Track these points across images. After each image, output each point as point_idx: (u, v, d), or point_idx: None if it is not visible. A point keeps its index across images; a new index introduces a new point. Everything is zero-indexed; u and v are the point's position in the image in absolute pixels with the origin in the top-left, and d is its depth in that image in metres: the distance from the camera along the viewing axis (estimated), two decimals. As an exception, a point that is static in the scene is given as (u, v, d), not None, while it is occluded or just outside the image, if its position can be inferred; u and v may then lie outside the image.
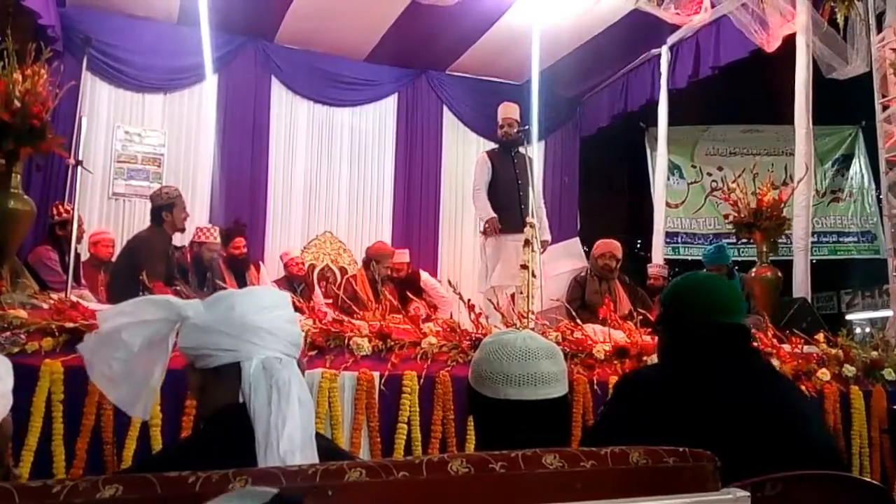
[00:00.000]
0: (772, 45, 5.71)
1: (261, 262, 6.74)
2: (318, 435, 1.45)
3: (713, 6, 5.95)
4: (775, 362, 3.55)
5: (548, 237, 5.96)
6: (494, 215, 5.70)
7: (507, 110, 6.04)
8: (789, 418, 1.77)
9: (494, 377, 1.56)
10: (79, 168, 4.42)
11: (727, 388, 1.77)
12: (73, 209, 4.64)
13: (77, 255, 4.85)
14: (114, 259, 5.58)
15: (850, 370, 3.73)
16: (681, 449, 1.14)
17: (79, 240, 4.83)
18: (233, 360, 1.41)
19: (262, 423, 1.33)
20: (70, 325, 2.68)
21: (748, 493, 1.12)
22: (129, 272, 4.22)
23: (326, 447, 1.47)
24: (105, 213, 6.91)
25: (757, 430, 1.68)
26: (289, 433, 1.33)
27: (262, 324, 1.44)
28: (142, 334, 1.43)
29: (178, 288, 3.58)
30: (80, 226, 4.85)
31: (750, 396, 1.76)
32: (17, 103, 3.07)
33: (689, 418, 1.68)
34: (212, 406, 1.44)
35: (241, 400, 1.39)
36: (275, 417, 1.33)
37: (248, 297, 1.48)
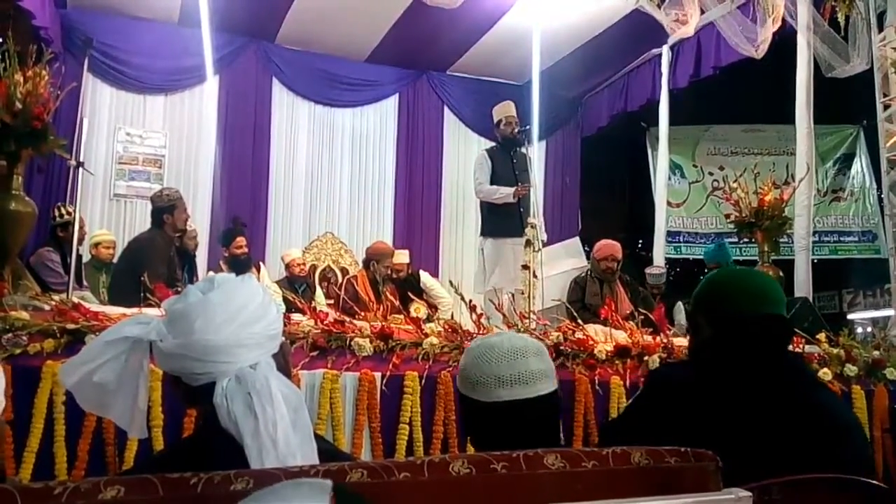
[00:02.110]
0: (760, 51, 5.71)
1: (262, 263, 6.73)
2: (317, 437, 1.44)
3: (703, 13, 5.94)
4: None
5: (544, 237, 5.95)
6: (510, 191, 5.65)
7: (507, 108, 6.04)
8: (821, 427, 1.67)
9: (485, 380, 1.56)
10: (80, 169, 4.42)
11: (758, 391, 1.69)
12: (74, 210, 4.64)
13: (79, 257, 4.85)
14: (115, 260, 5.58)
15: (851, 370, 3.73)
16: (682, 449, 1.14)
17: (80, 241, 4.83)
18: (209, 381, 1.36)
19: (249, 433, 1.28)
20: (72, 326, 2.68)
21: (750, 494, 1.12)
22: (130, 274, 4.22)
23: (326, 450, 1.45)
24: (106, 214, 6.92)
25: (786, 439, 1.62)
26: (283, 435, 1.29)
27: (224, 341, 1.36)
28: (113, 370, 1.39)
29: (179, 289, 3.57)
30: (81, 227, 4.84)
31: (780, 402, 1.68)
32: (19, 105, 3.08)
33: (718, 422, 1.62)
34: (200, 418, 1.43)
35: (216, 409, 1.35)
36: (263, 424, 1.29)
37: (204, 313, 1.36)
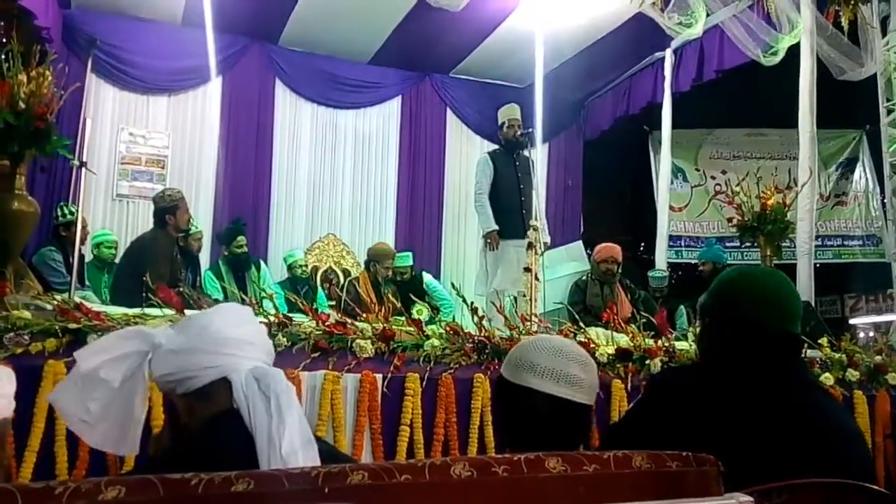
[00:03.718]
0: (769, 59, 5.71)
1: (262, 262, 6.73)
2: (317, 439, 1.46)
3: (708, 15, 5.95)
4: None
5: (547, 240, 5.96)
6: (496, 228, 5.71)
7: (511, 111, 6.05)
8: (826, 437, 1.66)
9: (522, 364, 1.60)
10: (83, 169, 4.42)
11: (766, 401, 1.68)
12: (77, 210, 4.65)
13: (81, 257, 4.86)
14: (117, 260, 5.59)
15: (853, 375, 3.72)
16: (684, 453, 1.14)
17: (83, 241, 4.84)
18: (218, 376, 1.42)
19: (263, 432, 1.34)
20: (74, 326, 2.68)
21: (751, 499, 1.12)
22: (132, 274, 4.22)
23: (327, 451, 1.47)
24: (109, 214, 6.92)
25: (789, 447, 1.61)
26: (289, 437, 1.34)
27: (241, 336, 1.46)
28: (120, 369, 1.42)
29: (181, 290, 3.57)
30: (83, 227, 4.85)
31: (787, 412, 1.66)
32: (22, 105, 3.08)
33: (721, 428, 1.61)
34: (201, 421, 1.44)
35: (234, 406, 1.40)
36: (275, 424, 1.35)
37: (221, 313, 1.50)
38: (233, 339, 1.44)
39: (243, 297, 3.62)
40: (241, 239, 6.28)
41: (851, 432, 1.77)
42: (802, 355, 1.89)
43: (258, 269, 6.39)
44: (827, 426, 1.69)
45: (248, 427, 1.37)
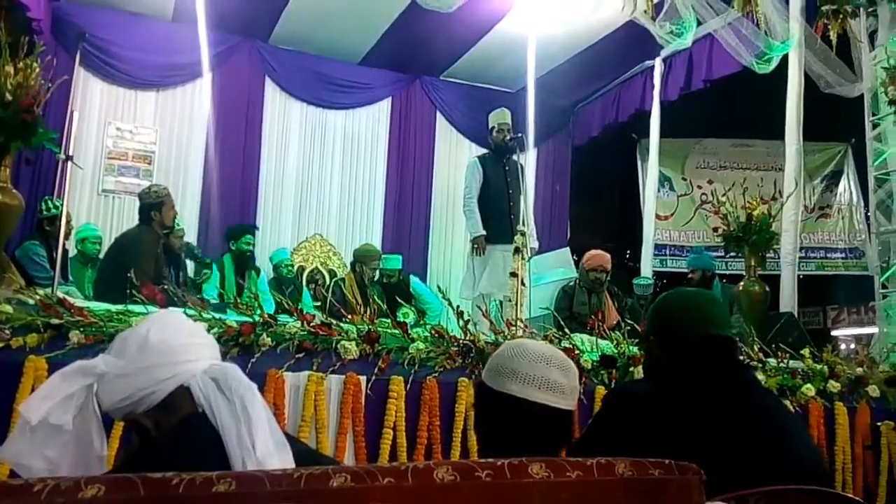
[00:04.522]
0: (762, 66, 5.75)
1: (262, 270, 6.66)
2: (289, 437, 1.45)
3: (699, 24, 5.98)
4: (760, 376, 3.57)
5: (535, 245, 5.97)
6: (483, 233, 5.72)
7: (502, 116, 6.06)
8: (774, 433, 1.77)
9: (502, 370, 1.60)
10: (69, 163, 4.39)
11: (711, 403, 1.78)
12: (62, 205, 4.61)
13: (65, 251, 4.82)
14: (101, 256, 5.55)
15: (834, 386, 3.75)
16: (666, 461, 1.14)
17: (67, 236, 4.80)
18: (175, 386, 1.40)
19: (232, 434, 1.33)
20: (56, 321, 2.66)
21: (731, 507, 1.12)
22: (116, 270, 4.19)
23: (301, 450, 1.46)
24: (94, 209, 6.87)
25: (741, 445, 1.70)
26: (262, 438, 1.33)
27: (184, 341, 1.44)
28: (69, 410, 1.38)
29: (165, 287, 3.55)
30: (68, 222, 4.81)
31: (734, 411, 1.77)
32: (9, 96, 3.06)
33: (674, 433, 1.69)
34: (169, 427, 1.42)
35: (199, 409, 1.39)
36: (245, 428, 1.33)
37: (155, 324, 1.46)
38: (177, 345, 1.42)
39: (241, 288, 3.63)
40: (250, 238, 6.27)
41: (796, 429, 1.90)
42: (737, 356, 2.01)
43: (257, 273, 6.36)
44: (770, 424, 1.79)
45: (216, 428, 1.35)
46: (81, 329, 2.68)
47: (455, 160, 8.24)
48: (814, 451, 1.99)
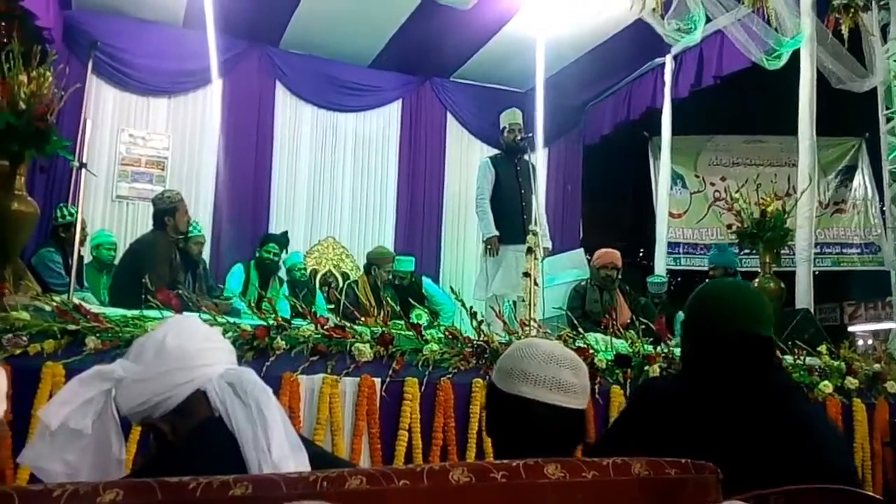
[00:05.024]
0: (772, 62, 5.71)
1: (285, 280, 6.66)
2: (307, 442, 1.46)
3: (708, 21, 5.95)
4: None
5: (549, 244, 5.96)
6: (496, 234, 5.71)
7: (513, 116, 6.06)
8: (806, 439, 1.70)
9: (513, 372, 1.58)
10: (83, 170, 4.42)
11: (740, 404, 1.72)
12: (76, 211, 4.64)
13: (80, 258, 4.85)
14: (116, 262, 5.58)
15: (852, 383, 3.73)
16: (683, 460, 1.14)
17: (82, 242, 4.83)
18: (192, 390, 1.41)
19: (248, 438, 1.34)
20: (72, 327, 2.68)
21: (749, 505, 1.12)
22: (132, 276, 4.21)
23: (316, 453, 1.47)
24: (108, 215, 6.91)
25: (769, 448, 1.64)
26: (278, 442, 1.34)
27: (200, 345, 1.45)
28: (88, 415, 1.40)
29: (180, 292, 3.57)
30: (83, 228, 4.84)
31: (764, 415, 1.71)
32: (22, 105, 3.08)
33: (698, 432, 1.65)
34: (186, 431, 1.43)
35: (216, 414, 1.40)
36: (260, 431, 1.34)
37: (172, 329, 1.47)
38: (193, 350, 1.43)
39: (262, 294, 3.66)
40: (273, 247, 6.26)
41: (830, 434, 1.81)
42: (773, 357, 1.90)
43: (280, 283, 6.39)
44: (804, 428, 1.72)
45: (232, 432, 1.36)
46: (97, 335, 2.70)
47: (466, 161, 8.23)
48: (847, 461, 1.87)
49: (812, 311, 5.06)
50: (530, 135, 5.95)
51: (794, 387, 2.03)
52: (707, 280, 6.63)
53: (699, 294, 1.92)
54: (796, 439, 1.68)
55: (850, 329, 13.79)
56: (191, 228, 5.67)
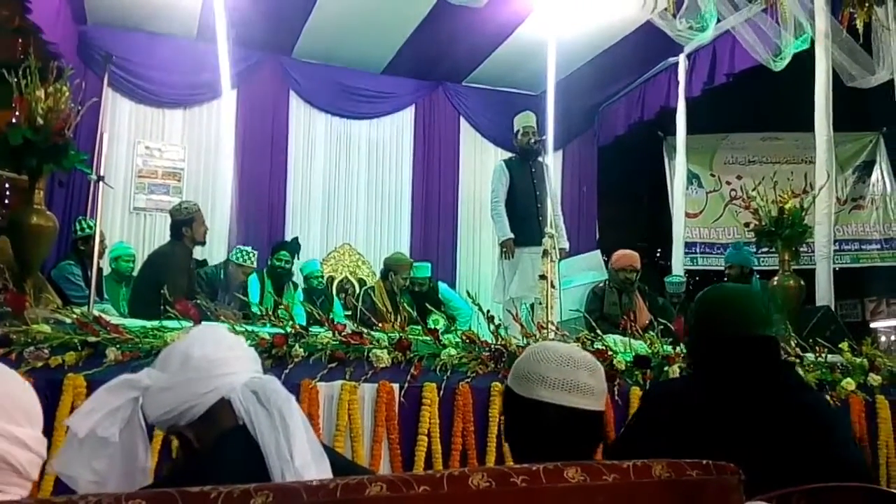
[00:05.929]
0: (778, 63, 5.67)
1: (299, 285, 6.69)
2: (328, 449, 1.46)
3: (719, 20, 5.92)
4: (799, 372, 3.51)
5: (566, 245, 5.94)
6: (511, 236, 5.70)
7: (527, 119, 6.05)
8: (816, 433, 1.73)
9: (530, 376, 1.58)
10: (100, 183, 4.47)
11: (751, 402, 1.75)
12: (95, 224, 4.69)
13: (99, 270, 4.89)
14: (135, 273, 5.63)
15: (875, 379, 3.68)
16: (704, 462, 1.13)
17: (101, 254, 4.88)
18: (217, 399, 1.43)
19: (271, 446, 1.35)
20: (92, 339, 2.71)
21: (772, 506, 1.11)
22: (150, 287, 4.25)
23: (339, 462, 1.48)
24: (126, 227, 6.98)
25: (781, 445, 1.66)
26: (300, 449, 1.35)
27: (225, 354, 1.47)
28: (116, 423, 1.41)
29: (199, 302, 3.59)
30: (101, 241, 4.89)
31: (774, 412, 1.74)
32: (40, 121, 3.12)
33: (712, 432, 1.67)
34: (210, 439, 1.44)
35: (240, 422, 1.41)
36: (283, 439, 1.35)
37: (198, 338, 1.50)
38: (219, 359, 1.45)
39: (278, 302, 3.68)
40: (284, 255, 6.29)
41: (840, 430, 1.85)
42: (779, 356, 1.95)
43: (294, 288, 6.41)
44: (813, 425, 1.75)
45: (256, 440, 1.37)
46: (118, 346, 2.72)
47: (480, 165, 8.24)
48: (857, 455, 1.92)
49: (833, 308, 5.01)
50: (544, 137, 5.94)
51: (801, 382, 2.07)
52: (724, 280, 6.61)
53: (701, 301, 2.01)
54: (807, 433, 1.71)
55: (872, 325, 13.60)
56: (242, 255, 5.71)
